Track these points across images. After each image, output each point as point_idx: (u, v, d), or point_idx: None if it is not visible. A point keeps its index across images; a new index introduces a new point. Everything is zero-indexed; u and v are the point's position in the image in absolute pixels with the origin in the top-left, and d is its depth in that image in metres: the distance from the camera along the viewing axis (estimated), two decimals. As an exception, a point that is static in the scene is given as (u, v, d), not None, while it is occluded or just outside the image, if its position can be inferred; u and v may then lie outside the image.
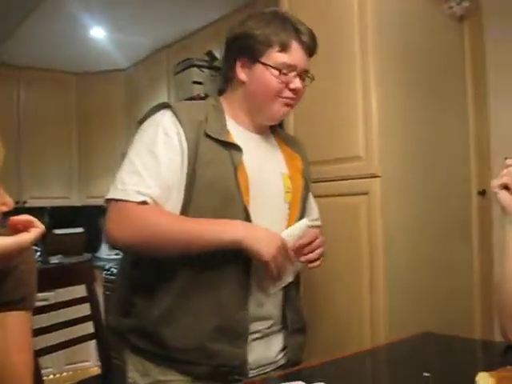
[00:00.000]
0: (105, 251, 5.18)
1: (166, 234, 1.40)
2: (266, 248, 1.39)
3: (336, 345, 2.15)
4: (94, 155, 5.08)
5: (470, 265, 2.53)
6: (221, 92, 1.65)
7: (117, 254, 5.12)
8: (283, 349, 1.61)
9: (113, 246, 1.47)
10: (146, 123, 1.54)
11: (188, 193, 1.44)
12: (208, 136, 1.48)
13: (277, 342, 1.60)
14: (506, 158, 1.42)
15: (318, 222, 1.82)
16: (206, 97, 3.41)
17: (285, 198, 1.61)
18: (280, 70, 1.49)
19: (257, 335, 1.53)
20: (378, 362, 1.48)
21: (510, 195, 1.39)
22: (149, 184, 1.41)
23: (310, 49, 1.54)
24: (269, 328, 1.56)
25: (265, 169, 1.57)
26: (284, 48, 1.49)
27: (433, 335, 1.58)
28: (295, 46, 1.50)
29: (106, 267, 4.48)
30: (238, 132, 1.56)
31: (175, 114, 1.48)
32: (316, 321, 2.12)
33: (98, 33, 4.15)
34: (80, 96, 5.14)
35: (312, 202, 1.81)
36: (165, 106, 1.53)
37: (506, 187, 1.39)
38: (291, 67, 1.50)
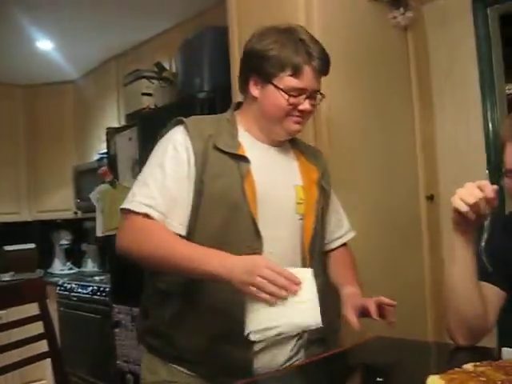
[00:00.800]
0: (58, 267, 5.09)
1: (162, 253, 1.43)
2: (240, 280, 1.29)
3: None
4: (43, 169, 4.96)
5: (420, 268, 2.59)
6: (238, 106, 1.70)
7: (70, 269, 5.05)
8: (290, 358, 1.60)
9: (118, 253, 1.52)
10: (161, 139, 1.62)
11: (196, 203, 1.51)
12: (217, 149, 1.54)
13: (285, 351, 1.59)
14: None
15: (349, 235, 1.86)
16: (155, 108, 3.41)
17: (296, 209, 1.64)
18: (290, 94, 1.54)
19: (263, 344, 1.51)
20: (332, 369, 1.49)
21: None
22: (154, 195, 1.48)
23: (322, 71, 1.58)
24: (278, 334, 1.56)
25: (276, 180, 1.61)
26: (295, 73, 1.53)
27: (385, 339, 1.60)
28: (307, 70, 1.54)
29: (60, 283, 4.40)
30: (251, 144, 1.61)
31: (186, 128, 1.56)
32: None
33: (45, 45, 4.09)
34: (28, 109, 5.03)
35: (340, 214, 1.85)
36: (179, 122, 1.60)
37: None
38: (301, 90, 1.55)
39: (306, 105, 1.57)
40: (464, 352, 1.46)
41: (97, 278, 4.35)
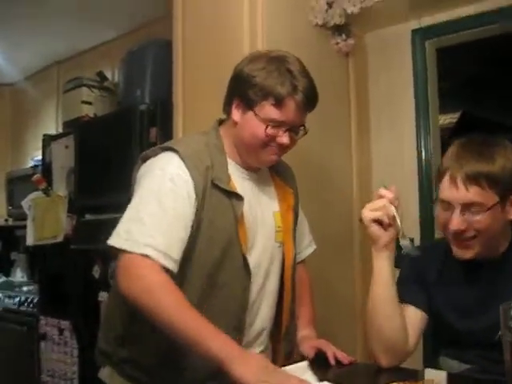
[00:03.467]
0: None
1: (166, 316, 1.31)
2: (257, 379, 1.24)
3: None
4: (-25, 175, 4.78)
5: (351, 290, 2.63)
6: (221, 121, 1.65)
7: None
8: None
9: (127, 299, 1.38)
10: (151, 164, 1.52)
11: (192, 241, 1.45)
12: (214, 184, 1.49)
13: None
14: (385, 186, 1.49)
15: (308, 251, 1.89)
16: (95, 117, 3.36)
17: (275, 237, 1.64)
18: (268, 124, 1.50)
19: None
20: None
21: (380, 229, 1.46)
22: (153, 233, 1.37)
23: (306, 106, 1.54)
24: None
25: (259, 210, 1.60)
26: (277, 104, 1.49)
27: (312, 359, 1.62)
28: (289, 103, 1.49)
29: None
30: (235, 172, 1.57)
31: (183, 160, 1.47)
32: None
33: (-17, 45, 3.98)
34: (-38, 110, 4.87)
35: (302, 225, 1.85)
36: (170, 149, 1.51)
37: (378, 221, 1.45)
38: (281, 123, 1.51)
39: (283, 138, 1.53)
40: (389, 372, 1.49)
41: (25, 288, 4.21)
